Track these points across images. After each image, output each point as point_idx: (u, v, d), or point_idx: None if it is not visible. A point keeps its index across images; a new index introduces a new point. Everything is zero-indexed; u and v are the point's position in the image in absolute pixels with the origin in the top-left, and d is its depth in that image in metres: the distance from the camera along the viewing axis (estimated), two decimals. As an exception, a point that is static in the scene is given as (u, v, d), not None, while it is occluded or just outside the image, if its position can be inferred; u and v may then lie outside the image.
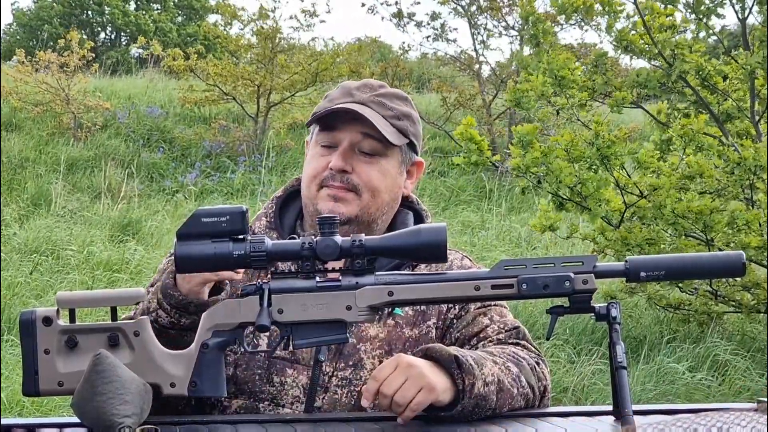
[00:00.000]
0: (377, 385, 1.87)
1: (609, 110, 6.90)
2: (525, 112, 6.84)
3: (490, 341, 2.12)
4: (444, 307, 2.17)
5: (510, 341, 2.13)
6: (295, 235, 1.99)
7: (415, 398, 1.85)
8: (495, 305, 2.18)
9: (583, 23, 6.78)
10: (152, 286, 2.15)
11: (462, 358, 1.90)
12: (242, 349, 1.89)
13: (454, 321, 2.17)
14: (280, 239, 2.11)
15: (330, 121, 2.16)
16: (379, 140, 2.15)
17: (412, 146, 2.22)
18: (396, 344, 2.13)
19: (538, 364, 2.09)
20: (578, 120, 6.75)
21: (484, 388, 1.90)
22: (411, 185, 2.25)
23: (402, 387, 1.85)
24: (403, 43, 24.68)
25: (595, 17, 6.73)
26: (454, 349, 1.93)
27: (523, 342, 2.14)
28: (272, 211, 2.24)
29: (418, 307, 2.16)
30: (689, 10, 6.58)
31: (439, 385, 1.87)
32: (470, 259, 2.27)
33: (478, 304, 2.17)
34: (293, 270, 1.92)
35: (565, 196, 6.35)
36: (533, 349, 2.14)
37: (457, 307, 2.18)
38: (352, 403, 2.09)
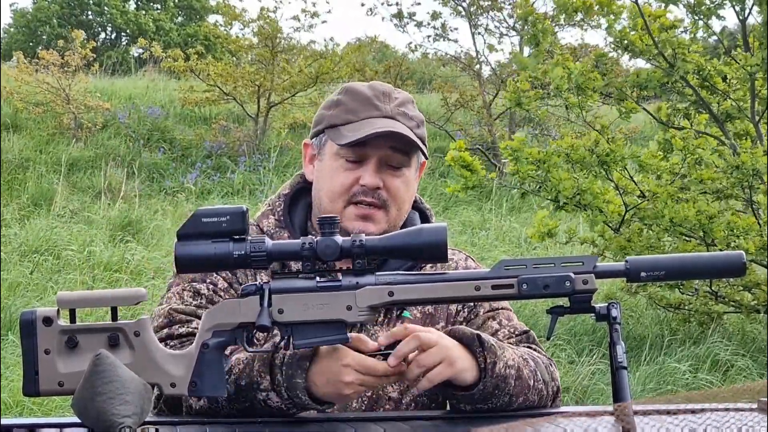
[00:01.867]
0: (416, 344, 1.90)
1: (610, 111, 6.89)
2: (525, 112, 6.82)
3: None
4: (453, 309, 2.18)
5: (521, 346, 2.15)
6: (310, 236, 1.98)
7: (435, 368, 1.89)
8: (502, 309, 2.20)
9: (583, 23, 6.77)
10: (171, 288, 2.14)
11: (484, 337, 1.95)
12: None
13: (463, 324, 2.17)
14: (291, 238, 2.11)
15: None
16: (405, 153, 2.15)
17: None
18: None
19: (550, 364, 2.12)
20: (585, 121, 6.74)
21: (505, 369, 1.95)
22: (416, 184, 2.25)
23: (426, 352, 1.89)
24: (410, 43, 24.60)
25: (595, 17, 6.73)
26: (476, 331, 1.98)
27: (533, 346, 2.16)
28: (281, 209, 2.22)
29: (426, 310, 2.16)
30: (689, 10, 6.58)
31: (460, 362, 1.91)
32: (473, 260, 2.28)
33: (487, 308, 2.18)
34: (293, 270, 1.92)
35: (564, 200, 6.35)
36: (543, 352, 2.16)
37: (465, 309, 2.19)
38: (362, 408, 2.08)
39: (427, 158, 2.21)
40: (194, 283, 2.11)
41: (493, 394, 1.95)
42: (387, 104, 2.15)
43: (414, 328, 1.93)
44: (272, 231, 2.17)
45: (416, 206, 2.28)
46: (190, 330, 2.01)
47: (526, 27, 6.69)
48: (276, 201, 2.23)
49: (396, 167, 2.14)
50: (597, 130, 6.55)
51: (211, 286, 2.11)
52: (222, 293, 2.09)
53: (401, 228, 2.20)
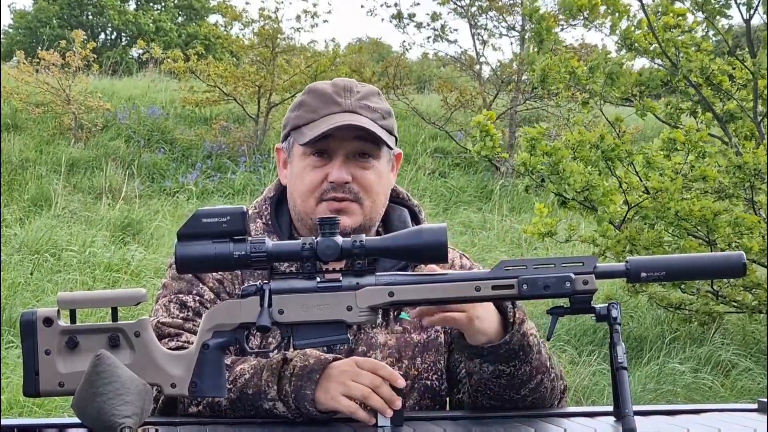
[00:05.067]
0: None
1: (612, 110, 6.88)
2: (525, 111, 6.82)
3: None
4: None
5: None
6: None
7: (452, 313, 1.89)
8: None
9: (587, 22, 6.74)
10: (159, 300, 2.13)
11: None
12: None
13: None
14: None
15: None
16: (372, 143, 2.14)
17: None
18: (405, 350, 2.13)
19: (557, 363, 2.13)
20: (601, 111, 6.74)
21: (531, 336, 1.97)
22: (394, 177, 2.25)
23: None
24: (404, 42, 24.53)
25: (599, 18, 6.72)
26: None
27: None
28: (267, 213, 2.21)
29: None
30: (696, 8, 6.56)
31: (484, 322, 1.92)
32: (468, 258, 2.27)
33: None
34: (294, 270, 1.92)
35: (569, 196, 6.34)
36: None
37: None
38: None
39: (391, 148, 2.18)
40: (180, 295, 2.10)
41: (517, 355, 1.95)
42: (348, 99, 2.14)
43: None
44: (260, 235, 2.15)
45: (404, 203, 2.27)
46: (180, 344, 2.00)
47: (529, 25, 6.69)
48: (262, 204, 2.23)
49: (364, 159, 2.13)
50: (611, 123, 6.56)
51: (197, 298, 2.10)
52: (209, 305, 2.08)
53: (386, 224, 2.21)
